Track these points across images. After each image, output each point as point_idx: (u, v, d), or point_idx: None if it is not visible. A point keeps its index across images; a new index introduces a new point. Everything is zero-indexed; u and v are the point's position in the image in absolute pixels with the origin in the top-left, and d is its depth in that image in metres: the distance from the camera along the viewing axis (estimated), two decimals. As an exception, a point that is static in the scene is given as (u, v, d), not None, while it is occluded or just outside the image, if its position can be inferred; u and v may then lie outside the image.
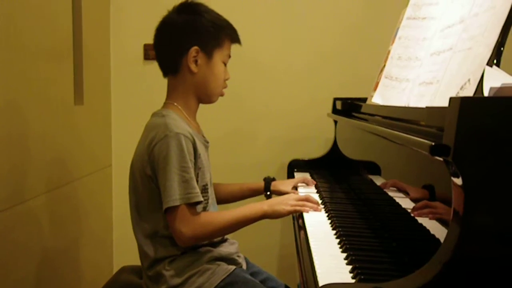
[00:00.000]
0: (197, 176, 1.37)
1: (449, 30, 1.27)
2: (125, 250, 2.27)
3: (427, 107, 0.96)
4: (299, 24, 2.40)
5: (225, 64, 1.49)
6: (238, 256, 1.48)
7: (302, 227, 1.32)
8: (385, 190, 1.31)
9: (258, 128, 2.45)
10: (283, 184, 1.78)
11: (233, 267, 1.40)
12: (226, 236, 1.49)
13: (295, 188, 1.78)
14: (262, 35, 2.39)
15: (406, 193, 1.16)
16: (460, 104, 0.76)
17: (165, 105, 1.47)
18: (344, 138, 2.06)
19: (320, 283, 0.93)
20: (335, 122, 2.17)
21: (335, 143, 2.15)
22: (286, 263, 2.45)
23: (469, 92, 0.98)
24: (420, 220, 1.02)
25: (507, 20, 0.99)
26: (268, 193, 1.76)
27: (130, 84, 2.45)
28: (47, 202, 1.77)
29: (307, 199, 1.46)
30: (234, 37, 1.50)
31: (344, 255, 1.08)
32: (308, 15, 2.39)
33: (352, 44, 2.38)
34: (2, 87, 1.48)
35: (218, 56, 1.46)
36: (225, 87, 1.51)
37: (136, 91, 2.43)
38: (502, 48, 1.02)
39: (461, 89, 1.02)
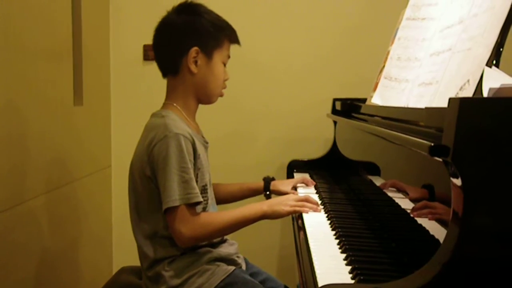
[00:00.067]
0: (196, 176, 1.37)
1: (449, 31, 1.27)
2: (125, 250, 2.27)
3: (426, 108, 0.96)
4: (298, 25, 2.40)
5: (224, 65, 1.49)
6: (238, 257, 1.48)
7: (302, 228, 1.32)
8: (384, 190, 1.31)
9: (258, 129, 2.45)
10: (282, 184, 1.78)
11: (232, 267, 1.40)
12: (225, 237, 1.49)
13: (295, 188, 1.78)
14: (261, 36, 2.39)
15: (406, 194, 1.16)
16: (460, 104, 0.76)
17: (165, 105, 1.47)
18: (344, 138, 2.06)
19: (320, 284, 0.93)
20: (335, 122, 2.17)
21: (334, 144, 2.16)
22: (285, 263, 2.45)
23: (469, 92, 0.98)
24: (420, 220, 1.02)
25: (506, 20, 0.99)
26: (268, 192, 1.76)
27: (129, 84, 2.45)
28: (47, 203, 1.77)
29: (307, 200, 1.46)
30: (233, 38, 1.50)
31: (344, 255, 1.08)
32: (308, 15, 2.39)
33: (351, 44, 2.38)
34: (2, 87, 1.48)
35: (217, 57, 1.46)
36: (225, 87, 1.52)
37: (136, 91, 2.43)
38: (501, 49, 1.02)
39: (460, 89, 1.02)
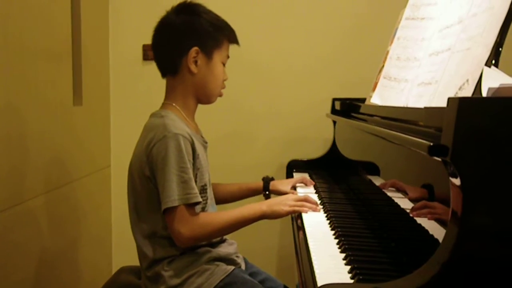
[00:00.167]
0: (195, 176, 1.37)
1: (448, 31, 1.27)
2: (124, 250, 2.27)
3: (425, 108, 0.96)
4: (297, 25, 2.40)
5: (223, 65, 1.49)
6: (237, 257, 1.48)
7: (301, 228, 1.32)
8: (384, 190, 1.31)
9: (257, 128, 2.45)
10: (282, 184, 1.78)
11: (232, 267, 1.40)
12: (225, 237, 1.49)
13: (294, 187, 1.78)
14: (260, 36, 2.39)
15: (405, 193, 1.16)
16: (459, 104, 0.76)
17: (164, 105, 1.47)
18: (343, 138, 2.06)
19: (319, 283, 0.93)
20: (334, 122, 2.17)
21: (334, 144, 2.15)
22: (285, 263, 2.45)
23: (468, 92, 0.98)
24: (419, 220, 1.02)
25: (505, 20, 0.99)
26: (267, 192, 1.76)
27: (129, 84, 2.45)
28: (46, 203, 1.77)
29: (306, 200, 1.46)
30: (232, 38, 1.50)
31: (343, 255, 1.08)
32: (307, 15, 2.39)
33: (350, 44, 2.38)
34: (1, 88, 1.48)
35: (217, 57, 1.46)
36: (224, 87, 1.52)
37: (135, 91, 2.43)
38: (500, 49, 1.02)
39: (459, 89, 1.02)
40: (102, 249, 2.43)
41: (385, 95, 1.56)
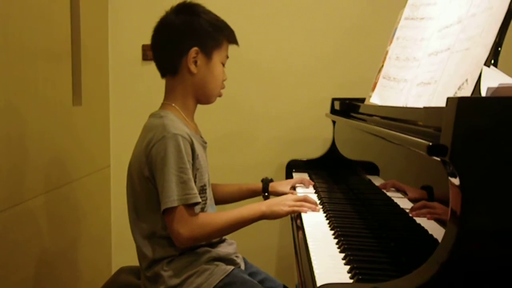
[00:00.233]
0: (195, 177, 1.37)
1: (447, 31, 1.27)
2: (124, 250, 2.27)
3: (424, 107, 0.96)
4: (297, 25, 2.40)
5: (223, 65, 1.49)
6: (237, 257, 1.48)
7: (300, 228, 1.32)
8: (383, 190, 1.31)
9: (257, 129, 2.45)
10: (281, 185, 1.78)
11: (231, 267, 1.40)
12: (224, 237, 1.49)
13: (293, 188, 1.78)
14: (260, 36, 2.39)
15: (405, 193, 1.16)
16: (458, 104, 0.76)
17: (163, 105, 1.47)
18: (343, 138, 2.06)
19: (318, 283, 0.93)
20: (334, 122, 2.17)
21: (333, 144, 2.16)
22: (284, 263, 2.45)
23: (467, 92, 0.98)
24: (418, 220, 1.02)
25: (504, 20, 0.99)
26: (266, 194, 1.76)
27: (128, 84, 2.45)
28: (46, 203, 1.77)
29: (305, 200, 1.47)
30: (231, 38, 1.50)
31: (342, 255, 1.08)
32: (306, 15, 2.39)
33: (350, 44, 2.38)
34: (1, 88, 1.48)
35: (217, 57, 1.46)
36: (223, 88, 1.52)
37: (135, 91, 2.43)
38: (499, 48, 1.02)
39: (458, 89, 1.02)
40: (101, 249, 2.43)
41: (385, 95, 1.56)
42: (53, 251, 1.83)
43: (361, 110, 1.69)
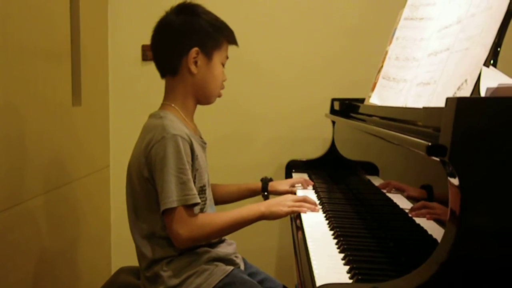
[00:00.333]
0: (194, 177, 1.37)
1: (446, 31, 1.27)
2: (123, 251, 2.27)
3: (424, 108, 0.96)
4: (296, 25, 2.40)
5: (223, 65, 1.49)
6: (236, 257, 1.48)
7: (300, 228, 1.32)
8: (382, 190, 1.31)
9: (256, 129, 2.45)
10: (280, 184, 1.78)
11: (231, 267, 1.40)
12: (224, 237, 1.49)
13: (293, 187, 1.78)
14: (259, 37, 2.39)
15: (404, 192, 1.16)
16: (457, 104, 0.76)
17: (163, 106, 1.47)
18: (342, 138, 2.06)
19: (318, 283, 0.93)
20: (333, 122, 2.17)
21: (333, 144, 2.16)
22: (284, 263, 2.45)
23: (466, 92, 0.98)
24: (418, 220, 1.02)
25: (503, 20, 0.99)
26: (266, 193, 1.76)
27: (128, 85, 2.45)
28: (45, 203, 1.77)
29: (305, 200, 1.47)
30: (231, 39, 1.50)
31: (342, 255, 1.08)
32: (306, 16, 2.40)
33: (349, 44, 2.38)
34: (0, 88, 1.48)
35: (217, 58, 1.46)
36: (223, 88, 1.52)
37: (134, 92, 2.43)
38: (499, 49, 1.03)
39: (458, 89, 1.02)
40: (101, 249, 2.43)
41: (384, 95, 1.56)
42: (52, 251, 1.82)
43: (360, 111, 1.69)
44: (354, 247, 1.12)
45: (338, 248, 1.15)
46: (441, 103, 0.81)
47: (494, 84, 0.87)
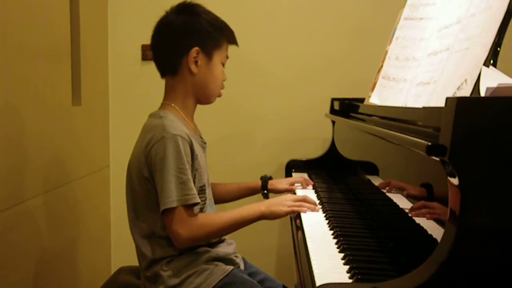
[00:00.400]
0: (194, 177, 1.37)
1: (446, 31, 1.27)
2: (123, 250, 2.27)
3: (424, 107, 0.96)
4: (296, 25, 2.40)
5: (223, 65, 1.49)
6: (236, 257, 1.49)
7: (300, 228, 1.32)
8: (382, 190, 1.32)
9: (256, 129, 2.45)
10: (280, 183, 1.79)
11: (231, 267, 1.40)
12: (224, 237, 1.49)
13: (292, 185, 1.78)
14: (259, 37, 2.39)
15: (404, 191, 1.16)
16: (457, 104, 0.76)
17: (163, 106, 1.47)
18: (342, 138, 2.06)
19: (318, 283, 0.93)
20: (333, 122, 2.17)
21: (333, 144, 2.16)
22: (284, 263, 2.45)
23: (466, 92, 0.98)
24: (418, 220, 1.02)
25: (503, 20, 0.99)
26: (265, 191, 1.77)
27: (128, 84, 2.45)
28: (45, 203, 1.77)
29: (305, 200, 1.47)
30: (231, 39, 1.50)
31: (342, 255, 1.09)
32: (306, 16, 2.40)
33: (349, 44, 2.38)
34: (0, 88, 1.48)
35: (217, 57, 1.46)
36: (223, 88, 1.52)
37: (134, 91, 2.43)
38: (498, 48, 1.03)
39: (458, 89, 1.02)
40: (101, 249, 2.43)
41: (384, 95, 1.56)
42: (52, 251, 1.82)
43: (360, 110, 1.69)
44: (354, 247, 1.12)
45: (338, 248, 1.15)
46: (441, 103, 0.81)
47: (494, 84, 0.87)
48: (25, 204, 1.63)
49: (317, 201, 1.53)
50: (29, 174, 1.66)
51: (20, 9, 1.59)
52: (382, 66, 1.66)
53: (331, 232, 1.27)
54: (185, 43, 1.42)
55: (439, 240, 0.80)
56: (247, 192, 1.78)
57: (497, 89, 0.86)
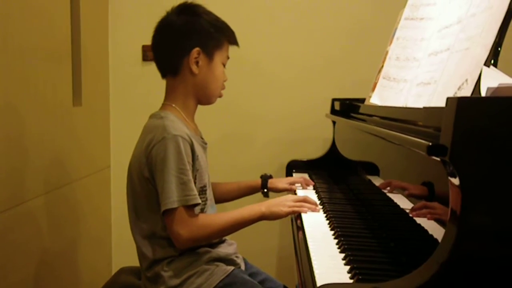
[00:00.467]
0: (195, 177, 1.37)
1: (447, 31, 1.27)
2: (124, 251, 2.27)
3: (424, 108, 0.96)
4: (297, 25, 2.40)
5: (224, 66, 1.49)
6: (237, 257, 1.48)
7: (301, 228, 1.32)
8: (383, 190, 1.31)
9: (257, 129, 2.45)
10: (280, 182, 1.79)
11: (231, 267, 1.40)
12: (224, 237, 1.49)
13: (292, 185, 1.78)
14: (260, 37, 2.39)
15: (404, 191, 1.16)
16: (457, 104, 0.76)
17: (164, 106, 1.47)
18: (343, 138, 2.06)
19: (318, 283, 0.93)
20: (334, 122, 2.17)
21: (333, 144, 2.16)
22: (285, 264, 2.45)
23: (467, 92, 0.98)
24: (418, 220, 1.02)
25: (504, 20, 0.99)
26: (265, 190, 1.77)
27: (128, 85, 2.45)
28: (46, 204, 1.77)
29: (305, 200, 1.46)
30: (232, 39, 1.50)
31: (342, 255, 1.09)
32: (306, 16, 2.40)
33: (350, 45, 2.38)
34: (1, 88, 1.48)
35: (218, 58, 1.46)
36: (223, 88, 1.52)
37: (135, 92, 2.44)
38: (499, 48, 1.02)
39: (458, 89, 1.02)
40: (101, 250, 2.43)
41: (384, 95, 1.56)
42: (53, 252, 1.83)
43: (361, 111, 1.69)
44: (354, 247, 1.12)
45: (338, 248, 1.15)
46: (442, 103, 0.81)
47: (494, 84, 0.87)
48: (26, 205, 1.63)
49: (318, 202, 1.53)
50: (30, 175, 1.66)
51: (21, 10, 1.59)
52: (382, 66, 1.66)
53: (332, 232, 1.27)
54: (186, 44, 1.42)
55: (439, 240, 0.80)
56: (248, 191, 1.78)
57: (497, 89, 0.86)
